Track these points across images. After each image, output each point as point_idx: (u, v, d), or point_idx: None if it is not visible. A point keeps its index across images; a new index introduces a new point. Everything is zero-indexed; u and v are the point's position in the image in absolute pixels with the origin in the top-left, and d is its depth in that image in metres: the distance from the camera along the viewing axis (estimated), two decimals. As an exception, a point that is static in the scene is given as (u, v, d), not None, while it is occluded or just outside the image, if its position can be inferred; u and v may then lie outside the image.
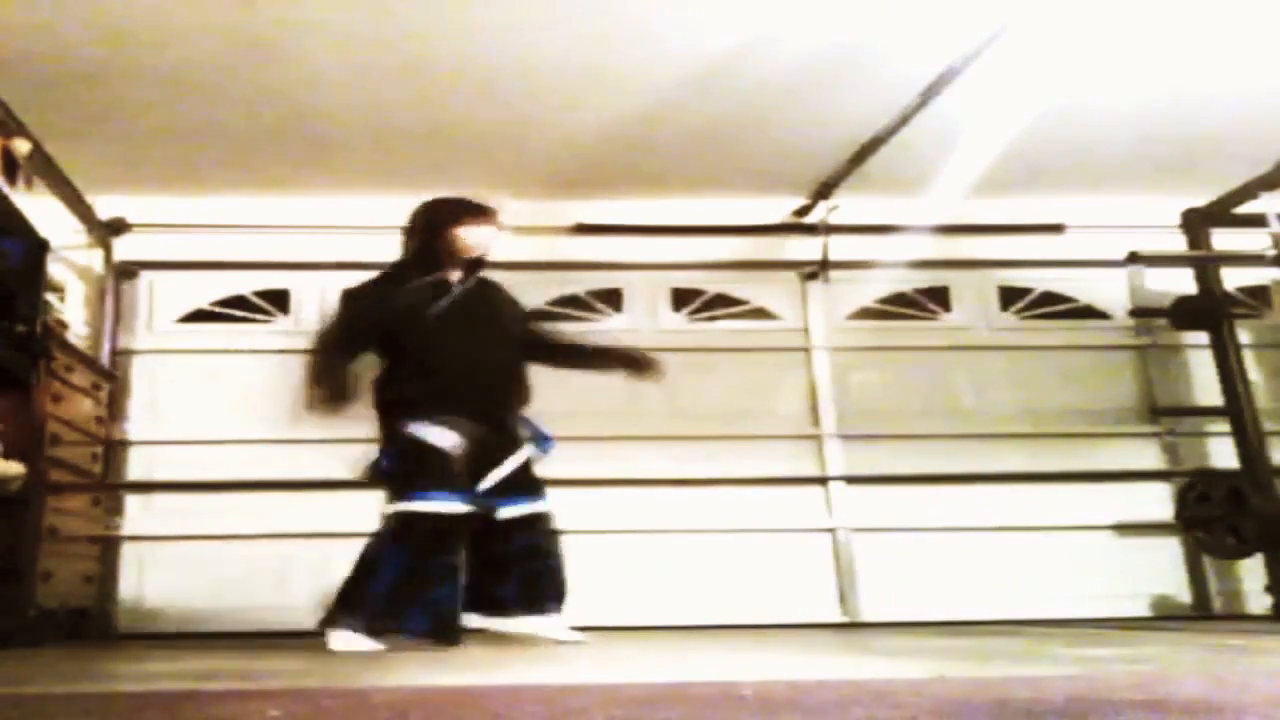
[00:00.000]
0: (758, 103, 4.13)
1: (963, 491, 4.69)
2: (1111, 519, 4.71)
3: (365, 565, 2.86)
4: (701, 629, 4.11)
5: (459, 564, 2.89)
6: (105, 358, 4.52)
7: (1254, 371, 4.74)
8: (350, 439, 4.55)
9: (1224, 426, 4.65)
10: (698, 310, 4.96)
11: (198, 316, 4.78)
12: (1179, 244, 4.82)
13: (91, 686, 1.81)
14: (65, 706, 1.45)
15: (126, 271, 4.75)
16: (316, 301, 4.82)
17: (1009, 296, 5.08)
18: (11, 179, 3.63)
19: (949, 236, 4.94)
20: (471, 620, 3.02)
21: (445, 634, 2.79)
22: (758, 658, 2.43)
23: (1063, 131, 4.35)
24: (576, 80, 3.94)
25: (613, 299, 4.93)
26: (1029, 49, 3.62)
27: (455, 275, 3.18)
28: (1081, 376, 4.93)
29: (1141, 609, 4.60)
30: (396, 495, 2.95)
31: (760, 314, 5.00)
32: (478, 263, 3.21)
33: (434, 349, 3.07)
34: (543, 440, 3.21)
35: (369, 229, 4.80)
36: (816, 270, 4.93)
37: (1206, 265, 4.76)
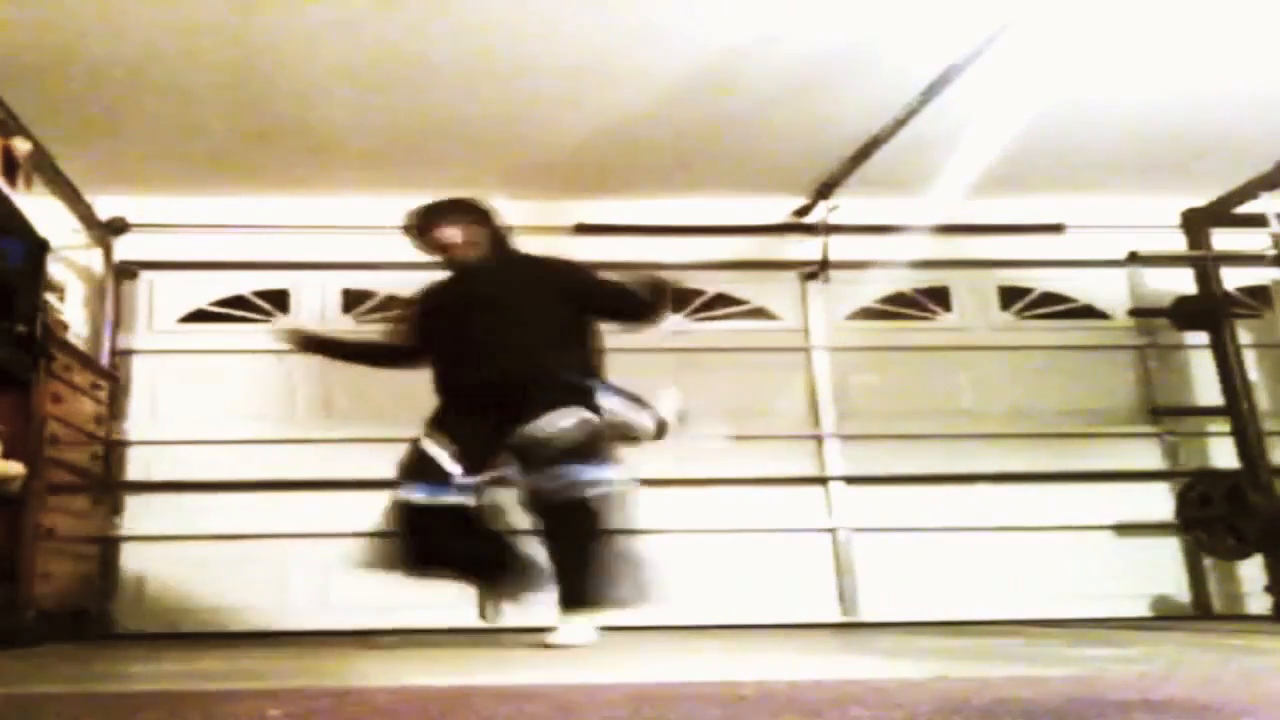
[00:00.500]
0: (758, 103, 4.13)
1: (963, 491, 4.69)
2: (1111, 519, 4.71)
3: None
4: (701, 629, 4.11)
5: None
6: (105, 358, 4.52)
7: (1254, 371, 4.74)
8: (350, 439, 4.58)
9: (1224, 426, 4.65)
10: (698, 310, 4.96)
11: (198, 316, 4.78)
12: (1179, 244, 4.82)
13: (91, 686, 1.81)
14: (65, 706, 1.45)
15: (126, 271, 4.75)
16: (316, 301, 4.82)
17: (1009, 296, 5.08)
18: (11, 179, 3.63)
19: (949, 236, 4.94)
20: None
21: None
22: (758, 658, 2.43)
23: (1063, 131, 4.35)
24: (576, 80, 3.94)
25: (613, 299, 4.92)
26: (1029, 49, 3.62)
27: (455, 274, 3.33)
28: (1081, 376, 4.93)
29: (1141, 609, 4.59)
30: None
31: (760, 314, 5.00)
32: (472, 256, 3.30)
33: (435, 350, 3.28)
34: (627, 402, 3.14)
35: (369, 229, 4.80)
36: (816, 270, 4.93)
37: (1206, 265, 4.76)
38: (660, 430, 3.18)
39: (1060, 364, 4.94)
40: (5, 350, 3.39)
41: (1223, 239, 4.76)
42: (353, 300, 4.84)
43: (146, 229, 4.75)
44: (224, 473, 4.48)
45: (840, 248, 4.88)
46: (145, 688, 1.74)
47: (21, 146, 3.69)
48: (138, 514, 4.45)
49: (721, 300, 4.99)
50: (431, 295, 3.41)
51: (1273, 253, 4.50)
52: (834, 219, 4.87)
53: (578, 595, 2.98)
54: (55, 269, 4.06)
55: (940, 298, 5.06)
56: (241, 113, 4.11)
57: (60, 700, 1.56)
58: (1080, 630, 3.65)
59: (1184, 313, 4.80)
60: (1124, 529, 4.70)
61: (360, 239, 4.81)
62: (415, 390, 4.59)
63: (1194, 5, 3.50)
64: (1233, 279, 4.88)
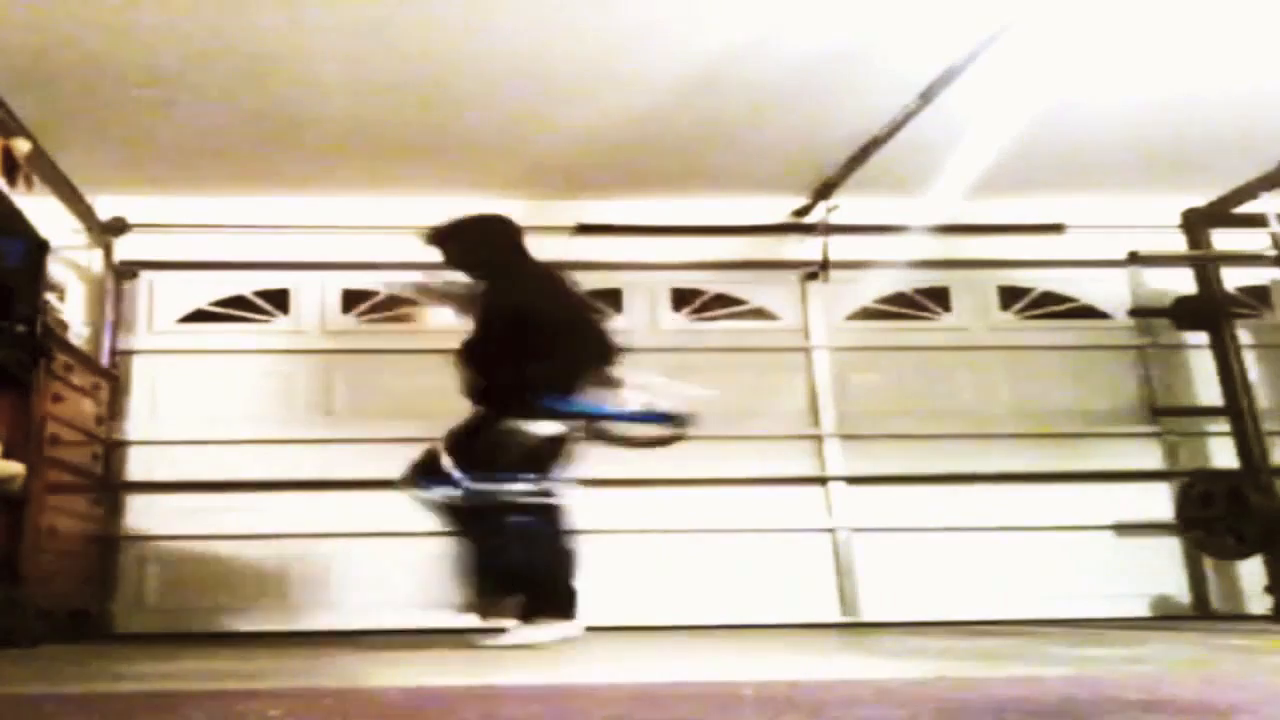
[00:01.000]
0: (758, 103, 4.13)
1: (963, 491, 4.68)
2: (1111, 519, 4.71)
3: None
4: (701, 629, 4.11)
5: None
6: (105, 358, 4.52)
7: (1254, 371, 4.74)
8: (350, 439, 4.59)
9: (1224, 426, 4.65)
10: (698, 310, 4.96)
11: (198, 316, 4.78)
12: (1179, 244, 4.82)
13: (91, 686, 1.81)
14: (65, 706, 1.45)
15: (126, 271, 4.75)
16: (316, 301, 4.82)
17: (1009, 296, 5.08)
18: (11, 179, 3.63)
19: (949, 236, 4.94)
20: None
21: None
22: (758, 658, 2.43)
23: (1063, 132, 4.35)
24: (576, 80, 3.94)
25: (613, 299, 4.93)
26: (1029, 49, 3.62)
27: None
28: (1081, 376, 4.93)
29: (1141, 609, 4.59)
30: None
31: (760, 314, 5.00)
32: (477, 275, 3.52)
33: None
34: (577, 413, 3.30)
35: (369, 229, 4.81)
36: (816, 270, 4.93)
37: (1206, 265, 4.76)
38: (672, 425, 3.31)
39: (1060, 364, 4.94)
40: (5, 350, 3.39)
41: (1223, 239, 4.76)
42: (353, 300, 4.84)
43: (146, 229, 4.75)
44: (223, 473, 4.48)
45: (840, 248, 4.88)
46: (145, 688, 1.74)
47: (21, 146, 3.69)
48: (138, 514, 4.46)
49: (721, 300, 4.99)
50: None
51: (1273, 253, 4.49)
52: (834, 219, 4.86)
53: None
54: (55, 269, 4.06)
55: (940, 298, 5.06)
56: (242, 113, 4.11)
57: (60, 700, 1.56)
58: (1080, 630, 3.65)
59: (1184, 313, 4.80)
60: (1124, 529, 4.70)
61: (360, 239, 4.81)
62: (415, 391, 4.62)
63: (1194, 5, 3.50)
64: (1233, 279, 4.88)
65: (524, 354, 3.29)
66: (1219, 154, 4.55)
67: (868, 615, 4.50)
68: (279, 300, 4.82)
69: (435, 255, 3.57)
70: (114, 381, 4.50)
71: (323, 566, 4.40)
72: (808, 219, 4.98)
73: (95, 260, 4.72)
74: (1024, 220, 5.03)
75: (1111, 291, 5.09)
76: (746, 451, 4.62)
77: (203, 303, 4.79)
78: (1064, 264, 5.05)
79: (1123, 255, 4.98)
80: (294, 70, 3.80)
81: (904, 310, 5.04)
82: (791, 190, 4.91)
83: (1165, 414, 4.88)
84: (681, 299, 4.97)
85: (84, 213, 4.59)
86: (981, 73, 3.69)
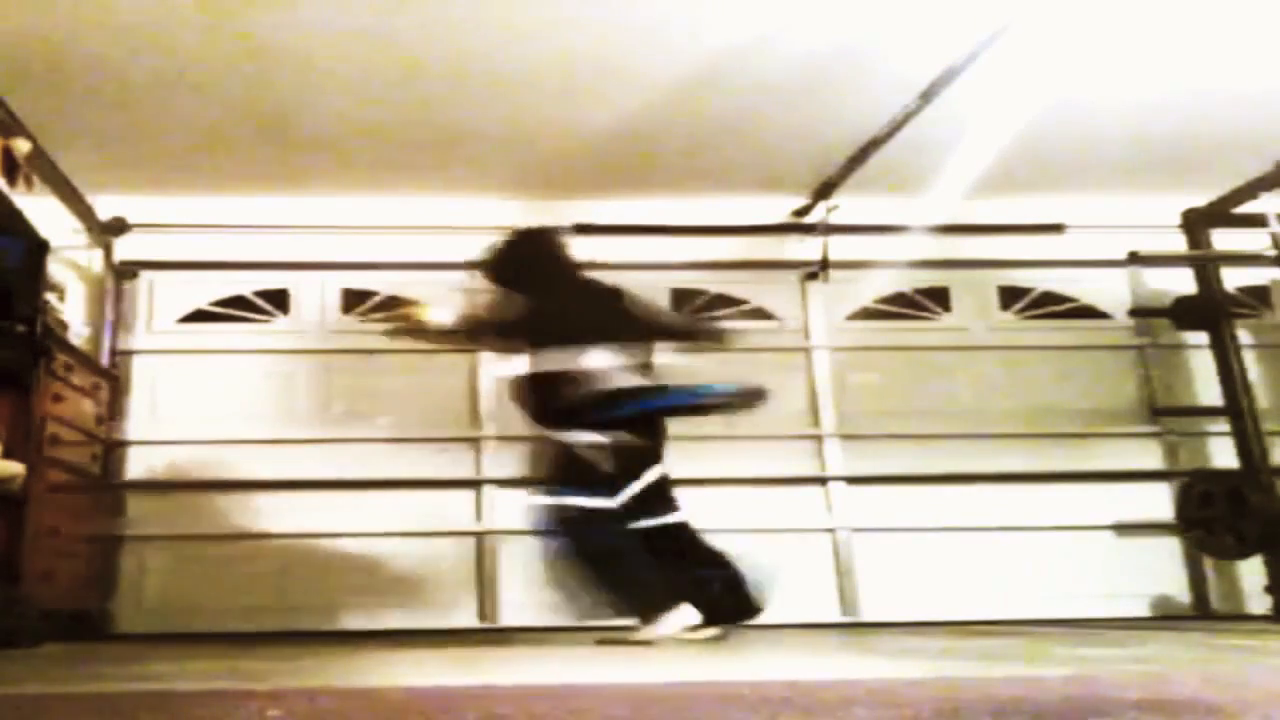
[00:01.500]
0: (758, 103, 4.13)
1: (963, 491, 4.68)
2: (1111, 519, 4.71)
3: None
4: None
5: None
6: (105, 358, 4.52)
7: (1254, 371, 4.74)
8: (350, 439, 4.58)
9: (1224, 426, 4.65)
10: (698, 310, 4.96)
11: (198, 316, 4.78)
12: (1179, 244, 4.82)
13: (91, 686, 1.81)
14: (65, 706, 1.45)
15: (126, 271, 4.75)
16: (316, 301, 4.82)
17: (1009, 296, 5.08)
18: (11, 179, 3.63)
19: (949, 236, 4.94)
20: None
21: None
22: (758, 658, 2.43)
23: (1063, 131, 4.35)
24: (576, 80, 3.94)
25: (613, 299, 4.92)
26: (1029, 49, 3.62)
27: None
28: (1081, 376, 4.93)
29: (1141, 609, 4.59)
30: None
31: (760, 314, 5.00)
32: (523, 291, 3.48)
33: None
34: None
35: (369, 229, 4.81)
36: (816, 270, 4.93)
37: (1206, 265, 4.76)
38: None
39: (1060, 364, 4.94)
40: (5, 350, 3.39)
41: (1223, 239, 4.76)
42: (353, 300, 4.84)
43: (146, 229, 4.75)
44: (224, 473, 4.48)
45: (840, 248, 4.88)
46: (145, 688, 1.74)
47: (21, 146, 3.69)
48: (138, 514, 4.46)
49: (721, 300, 4.99)
50: None
51: (1273, 253, 4.49)
52: (834, 219, 4.86)
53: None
54: (55, 269, 4.06)
55: (940, 298, 5.06)
56: (242, 113, 4.11)
57: (60, 700, 1.56)
58: (1080, 630, 3.65)
59: (1184, 313, 4.80)
60: (1124, 529, 4.70)
61: (360, 239, 4.81)
62: (414, 391, 4.62)
63: (1194, 5, 3.50)
64: (1233, 279, 4.88)
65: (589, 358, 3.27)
66: (1219, 154, 4.55)
67: (867, 615, 4.50)
68: (279, 300, 4.82)
69: (479, 280, 3.55)
70: (114, 381, 4.50)
71: (322, 566, 4.40)
72: (808, 219, 4.99)
73: (95, 260, 4.72)
74: (1024, 220, 5.03)
75: (1111, 291, 5.09)
76: (746, 451, 4.62)
77: (203, 303, 4.79)
78: (1064, 264, 5.05)
79: (1123, 255, 4.98)
80: (294, 70, 3.80)
81: (904, 310, 5.04)
82: (791, 190, 4.91)
83: (1165, 414, 4.88)
84: (681, 299, 4.97)
85: (84, 213, 4.59)
86: (981, 72, 3.69)
